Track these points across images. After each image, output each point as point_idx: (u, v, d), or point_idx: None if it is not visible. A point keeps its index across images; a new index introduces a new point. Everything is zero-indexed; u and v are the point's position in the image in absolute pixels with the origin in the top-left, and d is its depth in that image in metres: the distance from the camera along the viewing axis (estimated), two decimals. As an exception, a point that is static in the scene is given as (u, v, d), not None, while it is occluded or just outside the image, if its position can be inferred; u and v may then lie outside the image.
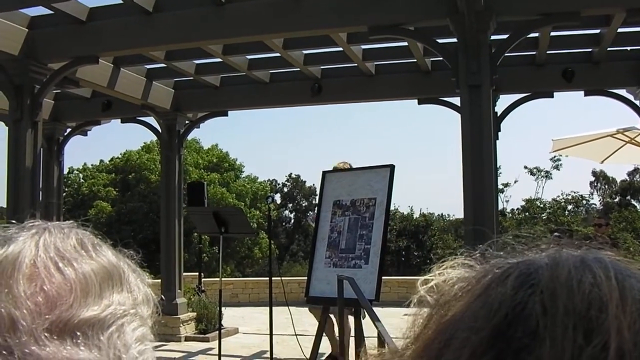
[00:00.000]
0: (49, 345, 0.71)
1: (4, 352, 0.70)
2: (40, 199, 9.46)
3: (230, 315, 11.57)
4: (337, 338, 8.56)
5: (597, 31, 9.62)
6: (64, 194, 19.97)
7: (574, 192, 43.83)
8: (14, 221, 0.87)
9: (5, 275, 0.75)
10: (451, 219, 48.12)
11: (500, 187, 37.49)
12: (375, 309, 6.49)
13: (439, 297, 0.75)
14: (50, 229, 0.84)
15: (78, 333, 0.74)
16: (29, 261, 0.77)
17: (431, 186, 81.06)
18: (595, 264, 0.67)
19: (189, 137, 15.24)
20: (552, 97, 10.92)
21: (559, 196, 43.27)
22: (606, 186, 53.45)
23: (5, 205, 9.34)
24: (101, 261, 0.83)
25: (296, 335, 8.29)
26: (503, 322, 0.64)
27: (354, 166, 8.58)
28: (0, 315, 0.72)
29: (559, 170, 48.11)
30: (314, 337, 7.80)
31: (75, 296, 0.76)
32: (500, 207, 35.95)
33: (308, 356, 8.05)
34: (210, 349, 11.09)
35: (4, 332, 0.71)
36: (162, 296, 11.89)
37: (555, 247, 0.73)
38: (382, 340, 6.02)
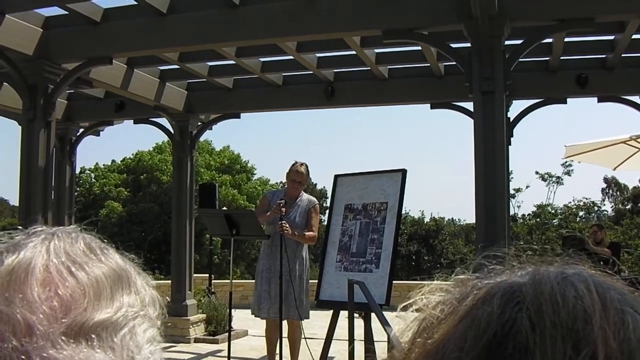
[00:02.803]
0: (66, 348, 0.72)
1: (22, 356, 0.70)
2: (52, 198, 9.47)
3: (240, 318, 11.57)
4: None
5: (612, 37, 9.59)
6: (76, 193, 20.00)
7: (586, 199, 43.74)
8: (19, 227, 0.88)
9: (18, 280, 0.76)
10: (462, 223, 48.09)
11: (511, 192, 37.44)
12: (385, 313, 6.49)
13: (420, 321, 0.75)
14: (58, 234, 0.85)
15: (93, 335, 0.75)
16: (41, 266, 0.78)
17: (442, 191, 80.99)
18: (576, 278, 0.69)
19: (201, 139, 15.26)
20: (566, 103, 10.90)
21: (570, 202, 43.20)
22: (618, 193, 53.28)
23: (17, 204, 9.38)
24: (110, 264, 0.84)
25: (305, 338, 8.28)
26: (493, 340, 0.65)
27: (367, 170, 8.55)
28: (16, 320, 0.72)
29: (570, 176, 48.02)
30: (323, 341, 7.80)
31: (88, 299, 0.77)
32: (511, 212, 35.89)
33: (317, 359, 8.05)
34: (220, 350, 11.10)
35: (21, 337, 0.71)
36: (167, 298, 11.91)
37: (531, 265, 0.75)
38: (392, 345, 6.02)
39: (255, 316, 8.76)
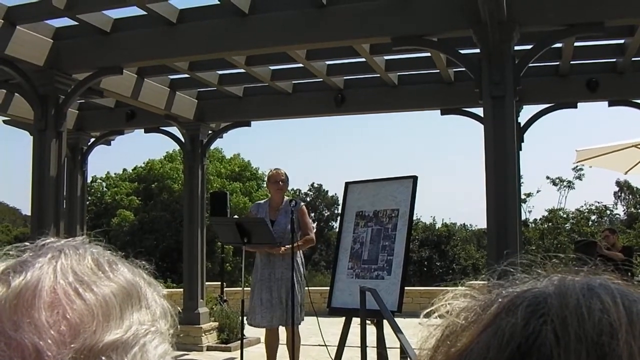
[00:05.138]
0: None
1: None
2: (64, 207, 9.50)
3: (252, 325, 11.57)
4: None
5: (622, 41, 9.57)
6: (88, 202, 20.00)
7: (598, 203, 43.50)
8: (27, 243, 0.86)
9: (26, 304, 0.75)
10: (473, 229, 47.91)
11: (522, 197, 37.26)
12: (397, 320, 6.48)
13: (444, 329, 0.75)
14: (66, 251, 0.84)
15: (103, 358, 0.74)
16: (48, 288, 0.77)
17: (454, 196, 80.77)
18: (602, 290, 0.68)
19: (212, 147, 15.27)
20: (576, 107, 10.86)
21: (582, 206, 42.97)
22: (630, 196, 52.99)
23: (29, 214, 9.41)
24: (119, 281, 0.83)
25: (326, 345, 8.27)
26: (517, 353, 0.65)
27: (378, 177, 8.54)
28: (25, 346, 0.72)
29: (581, 180, 47.78)
30: (336, 348, 7.79)
31: (97, 321, 0.76)
32: (522, 217, 35.73)
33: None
34: (232, 358, 11.10)
35: None
36: (179, 308, 11.88)
37: (557, 274, 0.74)
38: (404, 352, 6.01)
39: (250, 324, 8.78)
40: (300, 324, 8.51)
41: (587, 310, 0.66)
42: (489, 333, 0.68)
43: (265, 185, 40.11)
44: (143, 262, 0.91)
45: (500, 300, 0.72)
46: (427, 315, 0.79)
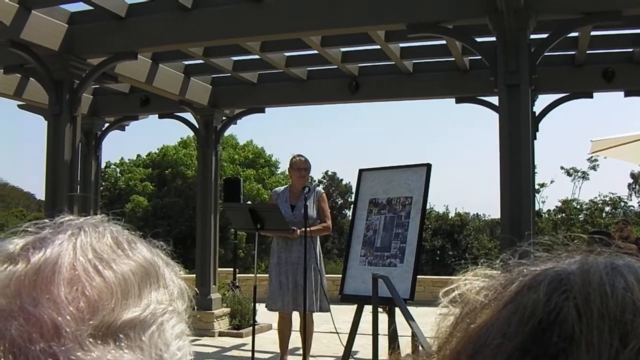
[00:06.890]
0: (93, 350, 0.71)
1: (50, 359, 0.69)
2: (78, 192, 9.54)
3: (264, 312, 11.53)
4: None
5: (639, 31, 9.50)
6: (101, 188, 20.04)
7: (612, 194, 43.32)
8: (46, 220, 0.86)
9: (45, 280, 0.75)
10: (487, 219, 47.78)
11: (536, 187, 37.17)
12: (409, 308, 6.48)
13: (463, 306, 0.75)
14: (85, 229, 0.83)
15: (121, 335, 0.74)
16: (68, 265, 0.77)
17: (467, 185, 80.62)
18: (625, 270, 0.68)
19: (226, 133, 15.29)
20: (592, 97, 10.81)
21: (596, 197, 42.81)
22: (645, 188, 52.74)
23: (43, 199, 9.45)
24: (138, 259, 0.82)
25: (338, 333, 8.29)
26: (538, 328, 0.64)
27: (392, 165, 8.53)
28: (44, 321, 0.71)
29: (595, 170, 47.61)
30: (347, 335, 7.80)
31: (116, 299, 0.76)
32: (536, 207, 35.62)
33: (341, 354, 8.05)
34: (244, 344, 11.12)
35: (49, 338, 0.70)
36: (197, 290, 11.92)
37: (579, 254, 0.73)
38: (416, 340, 6.00)
39: (270, 310, 8.83)
40: (328, 311, 8.53)
41: (611, 287, 0.65)
42: (509, 309, 0.68)
43: (278, 172, 40.48)
44: (161, 243, 0.91)
45: (521, 278, 0.72)
46: (447, 294, 0.79)
